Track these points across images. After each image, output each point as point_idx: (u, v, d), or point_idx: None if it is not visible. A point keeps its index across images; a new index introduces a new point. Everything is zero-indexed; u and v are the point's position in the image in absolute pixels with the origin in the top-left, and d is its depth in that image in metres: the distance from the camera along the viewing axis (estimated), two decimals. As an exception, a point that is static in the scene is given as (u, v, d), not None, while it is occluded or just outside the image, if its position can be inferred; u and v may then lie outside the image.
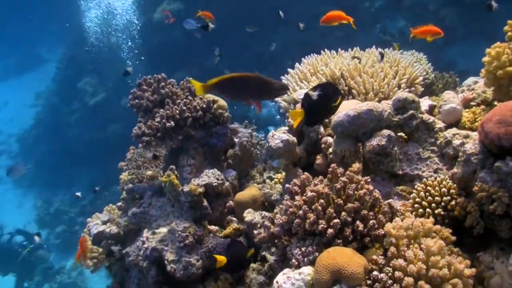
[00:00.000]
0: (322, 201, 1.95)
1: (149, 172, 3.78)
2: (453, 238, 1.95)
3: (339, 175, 2.03)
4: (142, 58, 10.72)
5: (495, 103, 2.38)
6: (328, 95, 2.16)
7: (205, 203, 2.83)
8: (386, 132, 2.18)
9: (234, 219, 2.97)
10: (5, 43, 18.76)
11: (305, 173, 2.15)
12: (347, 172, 2.02)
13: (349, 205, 1.90)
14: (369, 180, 2.01)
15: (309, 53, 3.32)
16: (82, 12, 11.68)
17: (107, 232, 3.35)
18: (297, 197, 2.05)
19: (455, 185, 2.09)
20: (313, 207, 1.94)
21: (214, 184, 3.01)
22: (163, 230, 2.96)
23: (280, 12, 4.32)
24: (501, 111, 1.88)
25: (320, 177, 2.15)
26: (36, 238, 7.24)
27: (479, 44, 3.37)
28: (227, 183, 3.17)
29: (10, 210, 13.23)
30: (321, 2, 10.43)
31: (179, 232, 2.74)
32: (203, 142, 3.31)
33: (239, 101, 2.82)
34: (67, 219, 11.84)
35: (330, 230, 1.88)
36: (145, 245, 2.93)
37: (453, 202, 2.04)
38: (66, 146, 12.56)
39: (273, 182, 3.05)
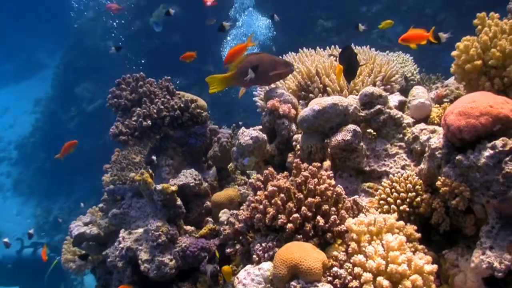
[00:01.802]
0: (282, 195, 1.92)
1: (132, 174, 3.75)
2: (418, 235, 1.92)
3: (303, 170, 2.00)
4: (143, 61, 10.73)
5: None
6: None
7: (179, 202, 2.81)
8: (351, 126, 2.15)
9: (210, 219, 2.94)
10: (4, 48, 18.76)
11: (270, 168, 2.11)
12: (310, 167, 1.98)
13: (309, 199, 1.87)
14: (331, 175, 1.98)
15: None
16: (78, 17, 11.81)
17: (88, 234, 3.34)
18: (259, 192, 2.02)
19: (421, 181, 2.06)
20: (272, 201, 1.91)
21: (192, 184, 2.99)
22: (139, 230, 2.94)
23: (275, 16, 4.30)
24: (462, 103, 1.84)
25: (286, 172, 2.12)
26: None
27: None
28: (205, 184, 3.15)
29: (10, 218, 13.20)
30: (317, 6, 10.48)
31: (152, 231, 2.71)
32: (182, 142, 3.29)
33: (258, 84, 2.90)
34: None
35: (289, 225, 1.85)
36: (121, 245, 2.90)
37: (418, 199, 2.01)
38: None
39: (250, 182, 3.03)
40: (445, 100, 2.47)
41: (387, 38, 10.20)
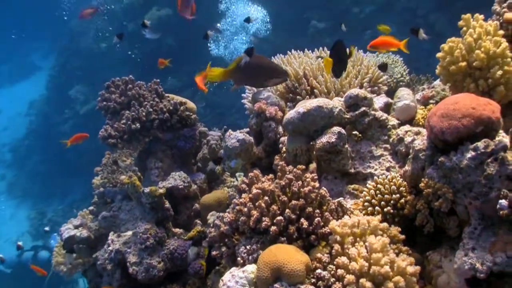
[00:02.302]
0: (266, 198, 1.92)
1: (122, 177, 3.75)
2: (402, 236, 1.93)
3: (287, 172, 2.01)
4: (139, 59, 10.71)
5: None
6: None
7: (167, 204, 2.81)
8: (336, 129, 2.15)
9: (199, 222, 2.95)
10: (-2, 50, 18.75)
11: (255, 171, 2.12)
12: (294, 169, 1.99)
13: (293, 202, 1.88)
14: (315, 177, 1.98)
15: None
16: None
17: (78, 236, 3.33)
18: (244, 195, 2.03)
19: (405, 182, 2.06)
20: (256, 204, 1.91)
21: (180, 186, 3.00)
22: (129, 232, 2.94)
23: (251, 18, 4.26)
24: (445, 105, 1.85)
25: (271, 175, 2.13)
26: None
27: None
28: (195, 186, 3.15)
29: (4, 221, 13.15)
30: (311, 7, 10.49)
31: (140, 234, 2.72)
32: (171, 144, 3.29)
33: (254, 85, 2.91)
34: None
35: (273, 228, 1.86)
36: (110, 248, 2.90)
37: (402, 200, 2.02)
38: (60, 155, 12.51)
39: (238, 184, 3.03)
40: (431, 101, 2.48)
41: (428, 38, 10.24)
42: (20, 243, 6.41)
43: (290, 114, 2.25)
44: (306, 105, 2.20)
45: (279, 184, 1.95)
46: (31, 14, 17.55)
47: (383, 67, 2.76)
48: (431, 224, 1.97)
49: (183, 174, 3.06)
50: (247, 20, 3.63)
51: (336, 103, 2.26)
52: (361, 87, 2.77)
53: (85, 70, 12.37)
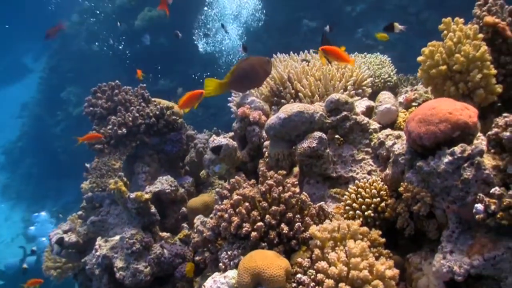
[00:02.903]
0: (247, 204, 1.94)
1: (111, 181, 3.76)
2: (382, 240, 1.94)
3: (269, 178, 2.02)
4: (127, 62, 10.70)
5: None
6: None
7: (153, 209, 2.82)
8: (317, 134, 2.16)
9: (186, 225, 2.95)
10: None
11: (237, 176, 2.13)
12: (275, 175, 2.00)
13: (274, 208, 1.89)
14: (296, 182, 2.00)
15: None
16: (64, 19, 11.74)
17: (67, 241, 3.34)
18: (225, 201, 2.04)
19: (386, 186, 2.08)
20: (237, 210, 1.92)
21: (167, 190, 3.01)
22: (116, 237, 2.95)
23: (225, 26, 4.25)
24: (423, 110, 1.87)
25: (253, 180, 2.14)
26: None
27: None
28: (182, 190, 3.17)
29: (-2, 224, 13.16)
30: (304, 7, 10.50)
31: (127, 239, 2.72)
32: (158, 149, 3.30)
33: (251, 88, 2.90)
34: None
35: (254, 233, 1.87)
36: (97, 253, 2.91)
37: (383, 204, 2.03)
38: (53, 157, 12.51)
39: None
40: (413, 104, 2.49)
41: (372, 37, 10.26)
42: (34, 248, 6.41)
43: (272, 119, 2.26)
44: (287, 110, 2.21)
45: (260, 190, 1.96)
46: (22, 16, 17.48)
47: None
48: (412, 227, 1.99)
49: (170, 178, 3.07)
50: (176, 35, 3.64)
51: (317, 108, 2.27)
52: (345, 90, 2.78)
53: (77, 72, 12.35)
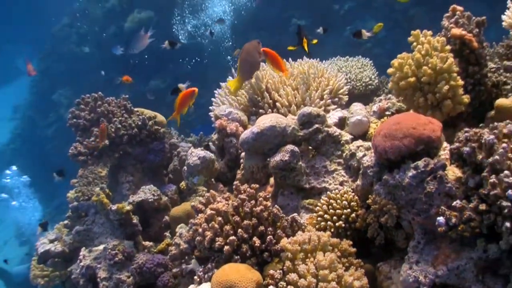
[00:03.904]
0: (220, 218, 1.99)
1: (97, 189, 3.81)
2: (353, 250, 2.00)
3: (242, 192, 2.07)
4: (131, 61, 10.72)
5: (412, 111, 2.42)
6: None
7: (135, 220, 2.87)
8: (289, 147, 2.22)
9: (168, 234, 3.01)
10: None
11: (211, 190, 2.18)
12: (248, 188, 2.05)
13: (245, 222, 1.94)
14: (268, 196, 2.05)
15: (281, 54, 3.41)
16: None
17: (53, 251, 3.38)
18: (200, 215, 2.09)
19: (357, 197, 2.14)
20: (210, 224, 1.98)
21: (150, 200, 3.05)
22: (100, 248, 3.00)
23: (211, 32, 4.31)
24: (388, 124, 1.92)
25: (228, 194, 2.19)
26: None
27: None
28: (165, 198, 3.21)
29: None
30: (294, 6, 10.54)
31: (109, 250, 2.77)
32: (141, 158, 3.35)
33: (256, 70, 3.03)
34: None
35: (226, 248, 1.92)
36: (82, 263, 2.96)
37: (353, 215, 2.09)
38: (45, 159, 12.49)
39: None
40: (387, 113, 2.55)
41: (371, 33, 10.30)
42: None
43: (245, 134, 2.31)
44: (260, 124, 2.26)
45: (232, 205, 2.01)
46: (14, 18, 17.45)
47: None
48: (382, 237, 2.05)
49: (152, 188, 3.12)
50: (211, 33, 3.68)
51: (290, 122, 2.32)
52: (321, 99, 2.84)
53: (68, 74, 12.34)
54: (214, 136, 2.77)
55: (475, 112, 2.41)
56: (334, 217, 2.09)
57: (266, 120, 2.28)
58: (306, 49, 3.28)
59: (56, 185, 12.29)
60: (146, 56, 9.90)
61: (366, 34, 2.86)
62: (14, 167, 8.22)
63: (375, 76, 4.06)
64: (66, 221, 3.60)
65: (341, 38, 9.95)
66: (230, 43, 10.15)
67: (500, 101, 2.28)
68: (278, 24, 10.63)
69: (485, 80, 2.40)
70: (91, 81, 10.69)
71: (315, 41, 4.16)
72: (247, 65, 2.87)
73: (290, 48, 3.80)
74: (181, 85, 3.15)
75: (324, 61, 4.26)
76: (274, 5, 10.58)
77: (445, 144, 2.01)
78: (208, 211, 2.02)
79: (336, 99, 2.88)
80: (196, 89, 2.91)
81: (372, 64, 4.22)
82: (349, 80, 3.90)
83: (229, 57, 9.39)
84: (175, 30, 9.85)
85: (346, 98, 2.93)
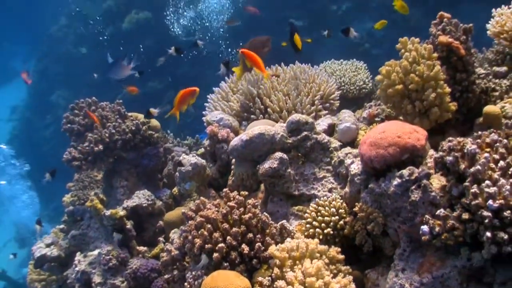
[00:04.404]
0: (209, 226, 2.02)
1: (92, 194, 3.84)
2: (341, 257, 2.02)
3: (231, 199, 2.10)
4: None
5: (401, 117, 2.44)
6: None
7: (128, 225, 2.90)
8: (278, 154, 2.25)
9: (162, 239, 3.03)
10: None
11: (201, 198, 2.21)
12: (237, 196, 2.08)
13: (234, 229, 1.97)
14: (257, 203, 2.08)
15: (279, 57, 3.45)
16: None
17: (49, 256, 3.41)
18: (190, 222, 2.12)
19: (345, 204, 2.16)
20: (199, 232, 2.01)
21: (144, 205, 3.08)
22: (94, 253, 3.03)
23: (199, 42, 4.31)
24: (374, 133, 1.95)
25: (218, 200, 2.22)
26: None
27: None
28: (160, 203, 3.23)
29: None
30: (289, 6, 10.54)
31: (103, 255, 2.80)
32: (135, 163, 3.37)
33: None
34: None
35: (215, 255, 1.95)
36: (77, 268, 2.99)
37: (342, 222, 2.12)
38: (43, 161, 12.48)
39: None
40: (376, 119, 2.57)
41: (358, 35, 10.31)
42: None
43: (235, 141, 2.34)
44: (248, 132, 2.29)
45: (221, 212, 2.04)
46: (11, 19, 17.43)
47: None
48: (370, 244, 2.07)
49: (147, 192, 3.14)
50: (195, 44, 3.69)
51: (278, 129, 2.35)
52: (312, 104, 2.86)
53: (66, 75, 12.35)
54: (206, 142, 2.80)
55: (465, 118, 2.43)
56: (323, 224, 2.12)
57: (255, 128, 2.31)
58: (297, 44, 3.31)
59: (55, 187, 12.34)
60: (143, 57, 9.90)
61: (353, 33, 2.90)
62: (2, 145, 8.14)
63: (369, 80, 4.08)
64: (62, 226, 3.64)
65: (339, 38, 9.94)
66: (228, 42, 10.15)
67: (488, 108, 2.31)
68: (274, 25, 10.62)
69: (473, 87, 2.43)
70: (89, 82, 10.70)
71: (309, 40, 4.17)
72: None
73: (284, 44, 3.83)
74: (152, 110, 3.18)
75: (320, 63, 4.30)
76: (270, 5, 10.58)
77: (432, 152, 2.03)
78: (198, 218, 2.04)
79: (327, 104, 2.90)
80: (197, 89, 2.93)
81: (366, 68, 4.25)
82: (343, 84, 3.93)
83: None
84: (170, 23, 9.85)
85: (337, 103, 2.96)
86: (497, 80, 2.57)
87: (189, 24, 10.01)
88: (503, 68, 2.66)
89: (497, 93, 2.49)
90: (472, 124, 2.40)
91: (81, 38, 12.15)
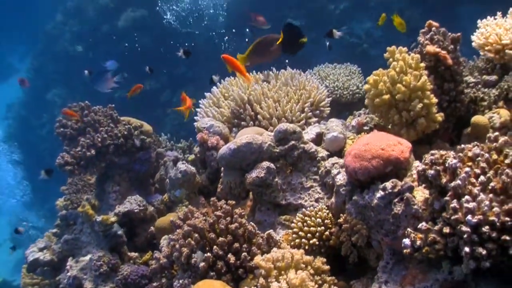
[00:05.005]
0: (196, 235, 2.04)
1: (84, 199, 3.86)
2: (326, 267, 2.03)
3: (218, 208, 2.12)
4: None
5: (389, 127, 2.45)
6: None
7: (120, 231, 2.91)
8: (265, 164, 2.27)
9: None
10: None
11: (190, 206, 2.23)
12: (224, 205, 2.10)
13: (220, 239, 1.99)
14: (243, 213, 2.10)
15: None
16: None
17: (42, 260, 3.42)
18: (178, 230, 2.14)
19: (331, 215, 2.18)
20: (186, 241, 2.03)
21: (136, 210, 3.10)
22: (86, 258, 3.04)
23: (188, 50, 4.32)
24: (358, 145, 1.97)
25: (206, 209, 2.24)
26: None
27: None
28: (151, 208, 3.25)
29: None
30: (285, 5, 10.54)
31: (94, 261, 2.83)
32: (128, 168, 3.39)
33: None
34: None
35: (202, 264, 1.97)
36: (68, 273, 3.01)
37: (327, 232, 2.13)
38: (39, 160, 12.48)
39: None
40: (365, 127, 2.58)
41: (356, 35, 10.33)
42: None
43: (223, 150, 2.36)
44: (236, 141, 2.32)
45: (208, 222, 2.06)
46: (7, 16, 17.39)
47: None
48: (355, 255, 2.09)
49: (138, 198, 3.16)
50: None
51: (266, 138, 2.37)
52: (302, 111, 2.88)
53: (62, 73, 12.33)
54: (196, 149, 2.82)
55: (455, 127, 2.45)
56: (309, 235, 2.14)
57: (243, 137, 2.33)
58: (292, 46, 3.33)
59: (50, 186, 12.34)
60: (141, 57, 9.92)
61: (337, 33, 2.92)
62: None
63: (363, 84, 4.09)
64: (55, 230, 3.65)
65: (337, 39, 9.96)
66: (226, 37, 10.13)
67: (476, 119, 2.33)
68: (273, 24, 10.61)
69: (461, 96, 2.45)
70: (85, 80, 10.69)
71: (304, 39, 4.19)
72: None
73: (278, 42, 3.85)
74: (214, 77, 3.25)
75: (318, 63, 4.31)
76: (268, 5, 10.58)
77: (417, 163, 2.04)
78: (185, 227, 2.06)
79: (318, 111, 2.92)
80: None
81: (360, 72, 4.26)
82: (336, 89, 3.94)
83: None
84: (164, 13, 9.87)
85: (327, 110, 2.98)
86: (486, 90, 2.58)
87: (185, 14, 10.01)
88: (493, 77, 2.68)
89: (485, 103, 2.51)
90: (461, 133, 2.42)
91: (77, 36, 12.12)
